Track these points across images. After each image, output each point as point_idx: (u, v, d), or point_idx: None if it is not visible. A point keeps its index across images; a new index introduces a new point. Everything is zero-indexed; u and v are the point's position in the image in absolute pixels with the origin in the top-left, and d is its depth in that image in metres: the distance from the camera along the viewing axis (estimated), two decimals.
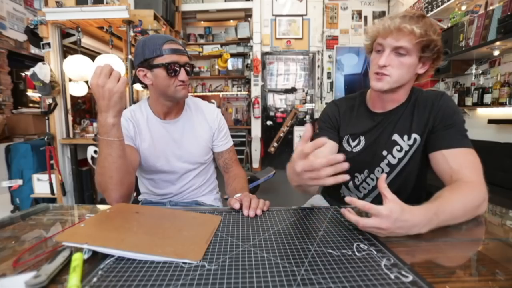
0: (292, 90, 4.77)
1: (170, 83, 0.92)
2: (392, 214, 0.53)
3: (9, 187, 2.48)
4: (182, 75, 0.92)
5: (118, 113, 0.75)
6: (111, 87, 0.70)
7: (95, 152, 2.33)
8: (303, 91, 4.75)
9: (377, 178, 0.91)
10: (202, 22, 4.98)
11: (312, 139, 0.61)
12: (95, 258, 0.49)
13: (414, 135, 0.85)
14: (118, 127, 0.76)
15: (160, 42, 0.90)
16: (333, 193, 1.04)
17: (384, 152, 0.89)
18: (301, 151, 0.57)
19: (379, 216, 0.54)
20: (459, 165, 0.74)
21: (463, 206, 0.63)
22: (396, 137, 0.88)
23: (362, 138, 0.93)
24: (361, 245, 0.53)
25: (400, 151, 0.87)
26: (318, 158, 0.56)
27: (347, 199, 0.57)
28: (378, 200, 0.93)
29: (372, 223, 0.54)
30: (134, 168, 0.94)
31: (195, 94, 4.99)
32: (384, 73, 0.80)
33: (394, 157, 0.88)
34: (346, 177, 0.55)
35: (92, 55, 2.73)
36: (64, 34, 2.44)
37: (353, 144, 0.94)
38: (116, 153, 0.76)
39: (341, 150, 0.98)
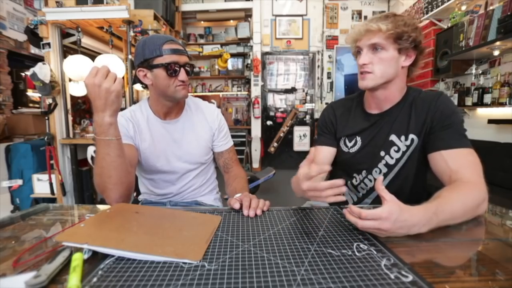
0: (292, 90, 4.77)
1: (170, 83, 0.92)
2: (391, 215, 0.53)
3: (9, 187, 2.48)
4: (182, 75, 0.92)
5: (115, 112, 0.75)
6: (107, 86, 0.70)
7: (95, 152, 2.32)
8: (303, 91, 4.75)
9: (375, 179, 0.91)
10: (202, 22, 4.98)
11: (311, 144, 0.67)
12: (95, 258, 0.49)
13: (411, 136, 0.85)
14: (115, 126, 0.76)
15: (160, 42, 0.90)
16: None
17: (382, 153, 0.89)
18: (308, 174, 0.66)
19: (379, 218, 0.54)
20: (458, 165, 0.74)
21: (462, 205, 0.63)
22: (393, 137, 0.88)
23: (358, 138, 0.94)
24: (361, 245, 0.53)
25: (397, 151, 0.87)
26: (321, 170, 0.66)
27: (345, 211, 0.61)
28: (378, 200, 0.93)
29: (372, 225, 0.55)
30: (133, 166, 0.94)
31: (195, 94, 4.99)
32: (366, 70, 0.84)
33: (392, 158, 0.88)
34: (344, 198, 0.63)
35: (92, 55, 2.73)
36: (64, 34, 2.44)
37: (349, 144, 0.95)
38: (114, 152, 0.76)
39: (339, 151, 0.98)
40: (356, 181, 0.95)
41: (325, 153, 0.98)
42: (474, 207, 0.65)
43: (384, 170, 0.89)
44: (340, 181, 0.63)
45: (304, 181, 0.66)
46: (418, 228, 0.56)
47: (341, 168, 0.99)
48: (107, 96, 0.71)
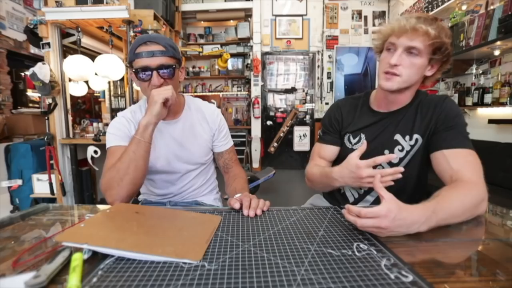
0: (292, 90, 4.76)
1: (146, 86, 0.90)
2: (390, 213, 0.54)
3: (9, 187, 2.48)
4: (154, 79, 0.87)
5: (155, 118, 0.84)
6: (154, 94, 0.84)
7: (95, 152, 2.33)
8: (303, 91, 4.75)
9: None
10: (202, 22, 4.97)
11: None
12: (95, 258, 0.49)
13: (415, 136, 0.86)
14: (148, 131, 0.84)
15: (136, 45, 0.88)
16: (334, 190, 1.05)
17: (386, 151, 0.89)
18: (374, 161, 0.70)
19: (377, 216, 0.54)
20: (459, 165, 0.74)
21: (461, 204, 0.63)
22: (398, 137, 0.88)
23: (362, 135, 0.94)
24: (361, 245, 0.53)
25: (401, 151, 0.88)
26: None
27: (344, 211, 0.61)
28: (379, 199, 0.93)
29: (371, 223, 0.55)
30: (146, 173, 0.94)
31: (195, 94, 4.99)
32: (395, 72, 0.80)
33: (396, 157, 0.88)
34: (392, 182, 0.69)
35: (92, 55, 2.73)
36: (64, 34, 2.43)
37: (353, 141, 0.95)
38: (139, 152, 0.82)
39: (342, 148, 0.98)
40: None
41: (330, 152, 1.00)
42: (473, 207, 0.65)
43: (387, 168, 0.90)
44: (401, 169, 0.68)
45: (365, 168, 0.71)
46: (417, 226, 0.56)
47: None
48: (151, 102, 0.83)
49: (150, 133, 0.85)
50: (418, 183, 0.90)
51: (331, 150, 1.00)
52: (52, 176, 2.35)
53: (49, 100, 2.30)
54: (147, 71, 0.87)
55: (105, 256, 0.49)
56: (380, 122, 0.91)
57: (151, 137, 0.85)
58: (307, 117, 4.77)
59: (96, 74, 2.27)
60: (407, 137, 0.87)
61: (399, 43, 0.79)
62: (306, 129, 4.78)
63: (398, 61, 0.79)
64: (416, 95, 0.89)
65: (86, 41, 2.66)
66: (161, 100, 0.83)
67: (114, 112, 3.20)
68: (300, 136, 4.80)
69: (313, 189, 1.02)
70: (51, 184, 2.35)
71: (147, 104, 1.03)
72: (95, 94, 4.47)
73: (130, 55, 0.90)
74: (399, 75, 0.80)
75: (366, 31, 4.62)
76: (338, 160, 1.01)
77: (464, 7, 2.69)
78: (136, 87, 2.53)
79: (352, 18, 4.63)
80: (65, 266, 0.46)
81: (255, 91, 4.66)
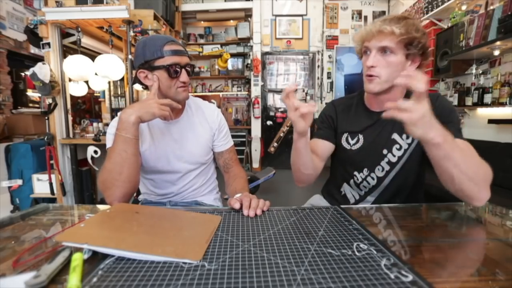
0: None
1: (171, 84, 0.92)
2: (427, 107, 0.58)
3: (9, 187, 2.48)
4: (184, 76, 0.92)
5: (140, 119, 0.82)
6: (155, 104, 0.83)
7: (95, 152, 2.33)
8: (303, 91, 4.75)
9: (377, 177, 0.92)
10: (202, 22, 4.97)
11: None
12: (95, 258, 0.49)
13: None
14: (136, 127, 0.82)
15: (160, 43, 0.90)
16: (334, 191, 1.05)
17: (385, 151, 0.90)
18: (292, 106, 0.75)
19: (419, 103, 0.57)
20: None
21: (477, 160, 0.67)
22: (395, 136, 0.89)
23: (360, 136, 0.94)
24: (361, 245, 0.53)
25: (399, 149, 0.89)
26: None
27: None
28: (380, 198, 0.94)
29: (410, 105, 0.58)
30: (139, 167, 0.94)
31: (195, 94, 4.99)
32: (373, 74, 0.83)
33: (394, 156, 0.89)
34: (313, 104, 0.74)
35: (92, 55, 2.72)
36: (64, 34, 2.44)
37: (352, 142, 0.96)
38: (130, 150, 0.82)
39: (340, 148, 0.98)
40: (358, 179, 0.95)
41: (322, 147, 0.98)
42: (482, 171, 0.66)
43: (387, 168, 0.90)
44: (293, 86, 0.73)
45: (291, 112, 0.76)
46: (435, 132, 0.60)
47: (342, 165, 1.00)
48: (148, 106, 0.81)
49: (137, 129, 0.83)
50: (416, 180, 0.91)
51: (324, 145, 0.98)
52: (52, 176, 2.35)
53: (49, 100, 2.30)
54: (177, 67, 0.90)
55: (105, 256, 0.49)
56: (377, 122, 0.92)
57: (138, 134, 0.85)
58: None
59: (96, 74, 2.27)
60: (404, 136, 0.88)
61: (371, 46, 0.83)
62: None
63: (374, 63, 0.82)
64: (407, 93, 0.90)
65: (86, 41, 2.66)
66: (159, 115, 0.83)
67: (114, 112, 3.20)
68: None
69: (299, 182, 0.97)
70: (51, 184, 2.35)
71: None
72: (95, 94, 4.47)
73: (154, 52, 0.89)
74: (378, 76, 0.82)
75: (353, 39, 4.62)
76: (336, 161, 1.01)
77: (464, 7, 2.69)
78: (136, 87, 2.52)
79: (352, 18, 4.63)
80: (65, 266, 0.46)
81: (255, 91, 4.66)
